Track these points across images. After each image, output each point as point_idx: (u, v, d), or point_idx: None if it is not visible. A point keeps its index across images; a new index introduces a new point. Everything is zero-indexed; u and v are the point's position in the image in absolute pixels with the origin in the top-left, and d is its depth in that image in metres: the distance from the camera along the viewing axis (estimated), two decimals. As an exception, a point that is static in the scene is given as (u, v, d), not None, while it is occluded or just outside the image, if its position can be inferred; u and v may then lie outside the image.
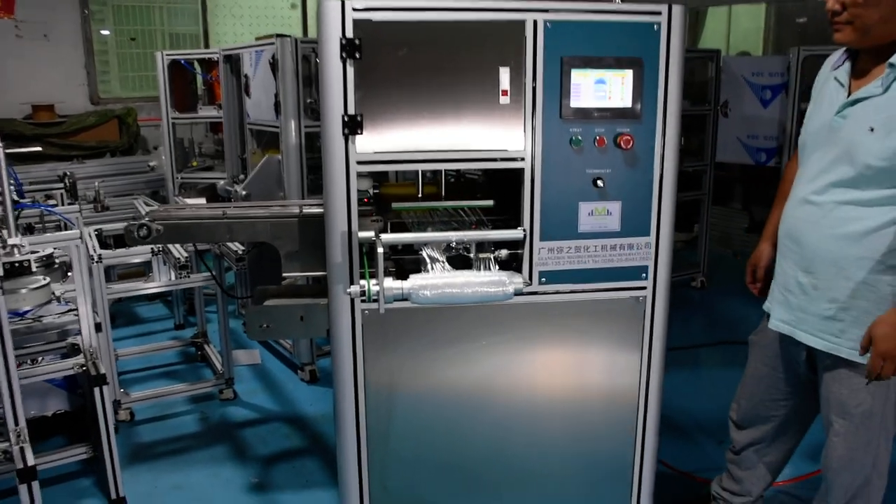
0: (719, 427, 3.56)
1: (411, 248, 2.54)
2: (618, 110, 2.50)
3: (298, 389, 4.59)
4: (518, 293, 2.32)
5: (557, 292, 2.60)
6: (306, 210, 2.77)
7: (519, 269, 2.58)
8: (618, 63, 2.47)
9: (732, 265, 7.19)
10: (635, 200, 2.58)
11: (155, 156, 6.32)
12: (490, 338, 2.60)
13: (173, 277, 3.82)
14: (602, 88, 2.48)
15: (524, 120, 2.45)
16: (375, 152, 2.39)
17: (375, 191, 3.01)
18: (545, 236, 2.54)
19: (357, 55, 2.31)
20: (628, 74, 2.48)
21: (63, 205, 4.76)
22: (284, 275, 2.77)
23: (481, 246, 2.55)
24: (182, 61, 5.79)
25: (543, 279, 2.58)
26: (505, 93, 2.43)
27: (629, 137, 2.49)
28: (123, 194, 6.30)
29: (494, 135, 2.45)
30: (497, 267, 2.51)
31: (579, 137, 2.47)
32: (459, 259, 2.50)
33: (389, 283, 2.27)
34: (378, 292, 2.25)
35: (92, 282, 3.72)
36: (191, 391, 4.46)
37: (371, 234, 2.41)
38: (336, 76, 2.33)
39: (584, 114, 2.48)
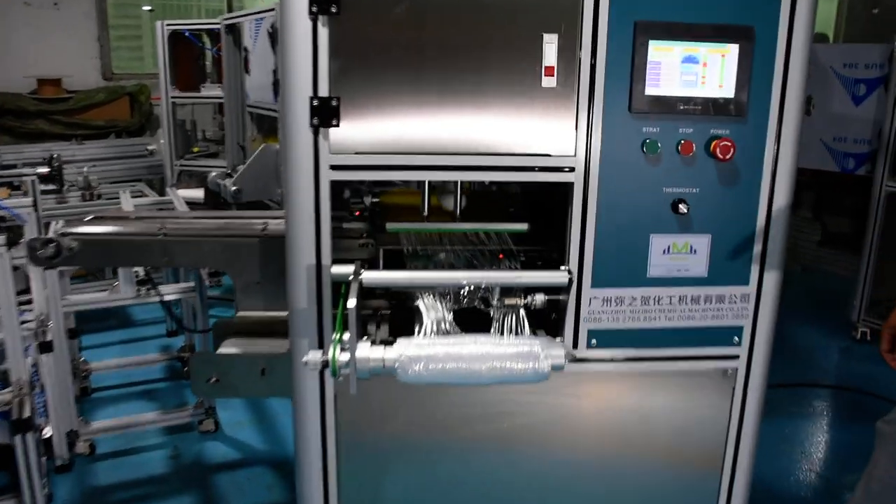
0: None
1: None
2: (714, 102, 1.71)
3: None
4: (557, 369, 1.57)
5: (613, 360, 1.83)
6: (273, 226, 2.04)
7: (559, 325, 1.82)
8: (718, 33, 1.68)
9: (802, 282, 6.29)
10: (731, 234, 1.79)
11: (155, 139, 5.68)
12: (514, 419, 1.85)
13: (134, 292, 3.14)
14: (692, 70, 1.69)
15: (576, 112, 1.68)
16: (358, 153, 1.65)
17: (374, 199, 2.27)
18: (600, 281, 1.77)
19: (333, 8, 1.56)
20: (732, 51, 1.69)
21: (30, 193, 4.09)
22: (240, 313, 2.06)
23: (507, 289, 1.80)
24: (186, 33, 5.10)
25: (594, 341, 1.81)
26: (550, 71, 1.66)
27: (729, 143, 1.70)
28: (122, 181, 5.68)
29: (532, 132, 1.68)
30: (526, 324, 1.75)
31: (656, 141, 1.70)
32: (474, 310, 1.75)
33: (365, 350, 1.53)
34: (348, 364, 1.51)
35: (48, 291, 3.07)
36: (165, 421, 3.79)
37: (348, 270, 1.67)
38: (302, 40, 1.59)
39: (665, 106, 1.69)
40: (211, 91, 5.30)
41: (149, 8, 8.23)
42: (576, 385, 1.84)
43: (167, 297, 3.61)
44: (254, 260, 1.97)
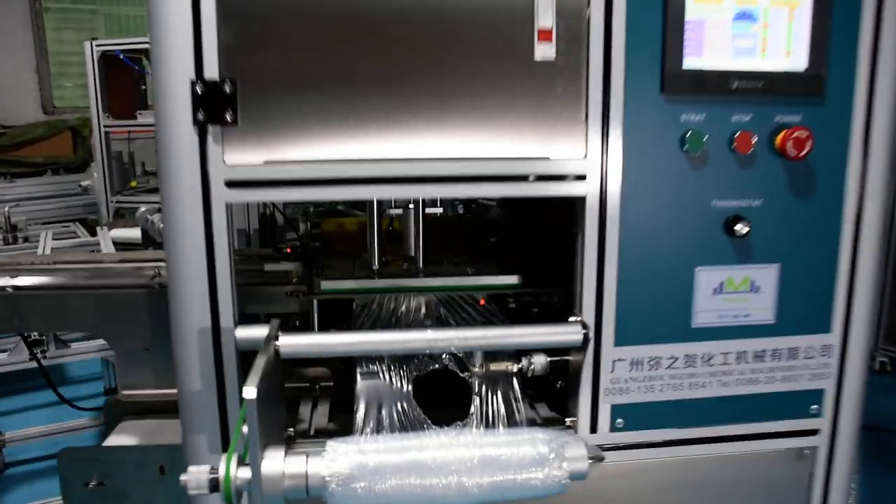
0: None
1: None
2: (780, 78, 1.20)
3: None
4: (578, 478, 1.02)
5: (650, 445, 1.29)
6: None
7: (569, 398, 1.29)
8: (782, -21, 1.18)
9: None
10: (807, 263, 1.28)
11: (88, 174, 5.10)
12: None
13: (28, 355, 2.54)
14: (748, 31, 1.19)
15: (585, 96, 1.16)
16: (268, 162, 1.11)
17: (312, 229, 1.72)
18: (627, 336, 1.24)
19: (220, -55, 1.04)
20: (803, 3, 1.19)
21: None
22: (122, 394, 1.49)
23: (492, 354, 1.26)
24: (119, 54, 4.56)
25: (620, 421, 1.27)
26: (545, 36, 1.14)
27: (803, 134, 1.19)
28: (56, 221, 5.08)
29: (523, 124, 1.16)
30: (520, 403, 1.22)
31: (701, 133, 1.18)
32: (447, 379, 1.21)
33: (275, 464, 0.95)
34: (248, 485, 0.95)
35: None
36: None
37: (260, 333, 1.13)
38: (176, -6, 1.06)
39: (713, 84, 1.19)
40: (150, 118, 4.74)
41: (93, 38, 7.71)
42: (596, 485, 1.29)
43: (85, 356, 3.02)
44: (140, 319, 1.41)
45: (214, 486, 0.96)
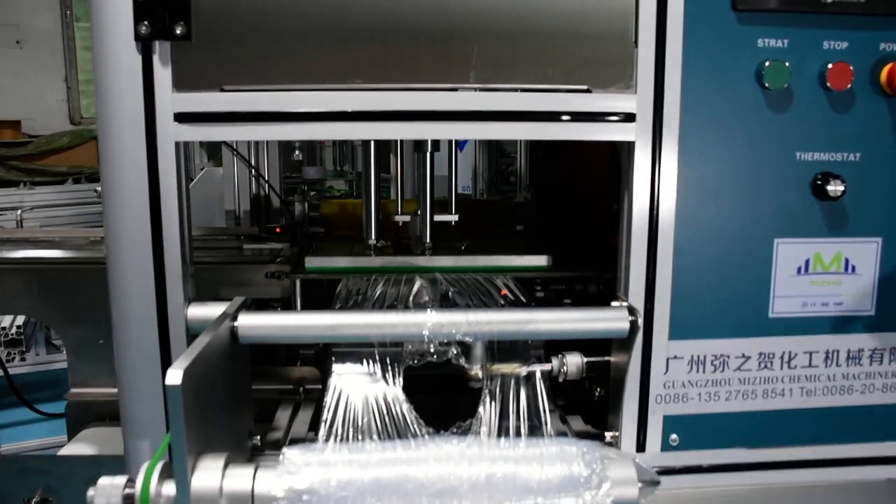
0: None
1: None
2: (887, -6, 0.94)
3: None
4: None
5: (712, 469, 1.01)
6: None
7: (608, 409, 1.02)
8: None
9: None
10: (918, 237, 1.00)
11: (105, 179, 4.95)
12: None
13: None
14: (846, -64, 0.93)
15: (636, 13, 0.91)
16: (226, 88, 0.88)
17: (312, 213, 1.48)
18: (684, 328, 0.97)
19: None
20: None
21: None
22: (71, 392, 1.25)
23: (510, 348, 1.00)
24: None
25: (675, 437, 0.99)
26: (585, -67, 0.89)
27: (917, 68, 0.92)
28: (68, 226, 4.95)
29: (556, 49, 0.91)
30: (547, 409, 0.95)
31: (783, 65, 0.92)
32: (449, 382, 0.95)
33: (209, 477, 0.69)
34: (177, 507, 0.69)
35: None
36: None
37: (212, 311, 0.88)
38: None
39: None
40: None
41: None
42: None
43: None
44: (92, 303, 1.17)
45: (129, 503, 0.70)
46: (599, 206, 1.26)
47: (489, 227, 1.54)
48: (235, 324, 0.87)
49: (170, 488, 0.69)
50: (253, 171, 1.62)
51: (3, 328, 2.10)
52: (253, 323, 0.87)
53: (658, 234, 0.95)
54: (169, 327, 0.91)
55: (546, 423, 0.96)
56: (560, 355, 1.03)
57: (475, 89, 0.90)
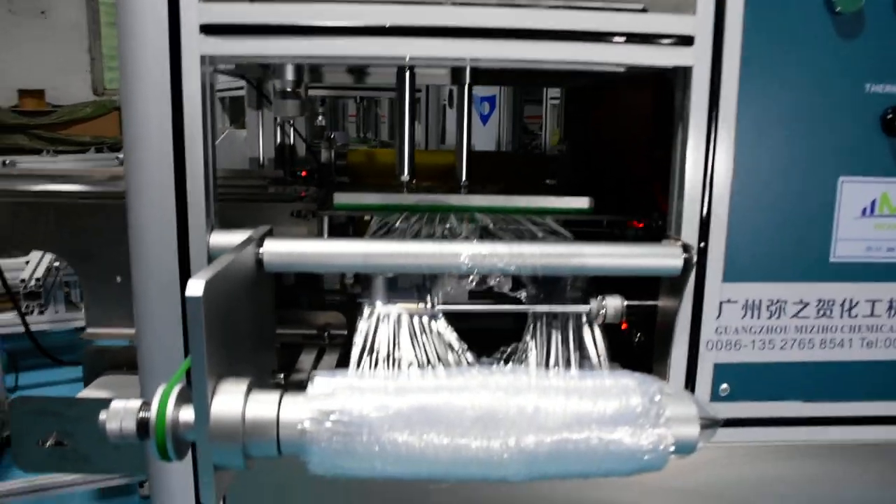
0: None
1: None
2: None
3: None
4: (685, 450, 0.68)
5: (764, 422, 0.94)
6: None
7: (652, 356, 0.96)
8: None
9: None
10: None
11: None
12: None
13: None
14: None
15: (699, -77, 0.84)
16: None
17: (339, 161, 1.43)
18: (739, 270, 0.91)
19: None
20: None
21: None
22: (88, 332, 1.21)
23: (552, 290, 0.94)
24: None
25: (725, 388, 0.93)
26: None
27: None
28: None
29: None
30: (599, 344, 0.89)
31: (859, -18, 0.85)
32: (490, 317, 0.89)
33: (232, 401, 0.64)
34: (191, 431, 0.64)
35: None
36: (96, 482, 2.92)
37: (235, 238, 0.83)
38: None
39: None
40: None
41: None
42: (683, 473, 0.96)
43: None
44: (110, 238, 1.13)
45: (143, 429, 0.65)
46: (638, 156, 1.20)
47: (520, 181, 1.48)
48: (261, 250, 0.81)
49: (188, 413, 0.64)
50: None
51: (23, 280, 2.07)
52: (280, 249, 0.81)
53: (714, 167, 0.88)
54: (190, 255, 0.86)
55: (599, 358, 0.90)
56: (599, 297, 0.97)
57: (521, 6, 0.83)
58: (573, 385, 0.65)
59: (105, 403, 1.24)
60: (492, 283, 0.92)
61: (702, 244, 0.88)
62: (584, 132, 1.53)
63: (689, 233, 0.89)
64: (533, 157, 1.55)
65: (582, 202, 1.08)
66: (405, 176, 1.08)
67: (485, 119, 4.86)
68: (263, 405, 0.64)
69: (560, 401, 0.63)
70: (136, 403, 0.67)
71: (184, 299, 0.84)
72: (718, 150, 0.88)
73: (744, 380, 0.93)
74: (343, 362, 1.04)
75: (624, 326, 1.04)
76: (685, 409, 0.67)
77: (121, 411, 0.66)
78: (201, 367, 0.61)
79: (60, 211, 1.11)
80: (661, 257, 0.86)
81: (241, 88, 3.05)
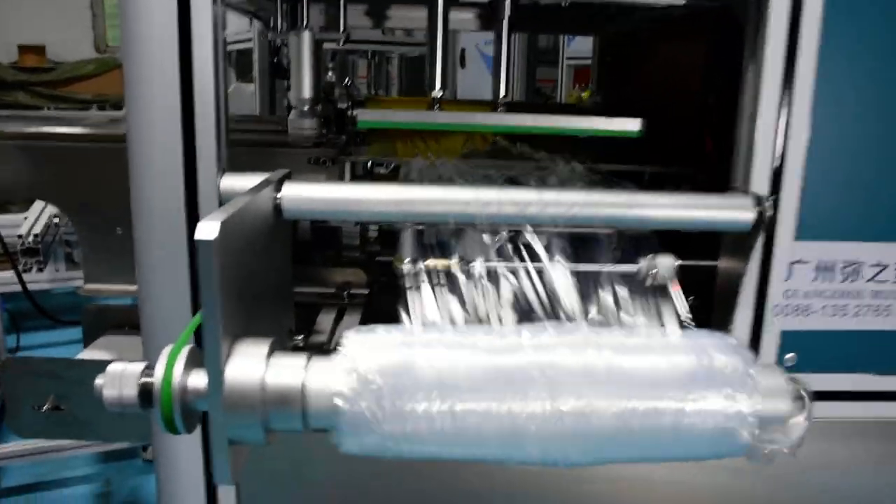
0: None
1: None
2: None
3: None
4: (774, 422, 0.59)
5: (835, 396, 0.85)
6: None
7: (710, 319, 0.86)
8: None
9: None
10: None
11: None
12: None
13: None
14: None
15: None
16: None
17: (351, 110, 1.32)
18: (813, 227, 0.81)
19: None
20: None
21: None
22: (86, 288, 1.12)
23: (586, 250, 0.84)
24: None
25: (791, 357, 0.84)
26: None
27: None
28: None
29: None
30: (679, 300, 0.79)
31: None
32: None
33: (253, 366, 0.55)
34: (202, 399, 0.55)
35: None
36: (95, 445, 2.86)
37: (249, 182, 0.73)
38: None
39: None
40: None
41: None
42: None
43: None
44: (109, 186, 1.03)
45: (146, 396, 0.56)
46: (684, 105, 1.10)
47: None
48: (279, 194, 0.72)
49: (198, 378, 0.55)
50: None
51: (20, 236, 1.98)
52: (302, 194, 0.71)
53: (792, 107, 0.78)
54: (198, 201, 0.76)
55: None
56: (650, 255, 0.87)
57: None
58: (641, 343, 0.56)
59: (105, 366, 1.15)
60: (523, 241, 0.83)
61: (773, 197, 0.78)
62: (619, 83, 1.42)
63: (760, 184, 0.79)
64: (567, 108, 1.44)
65: (633, 124, 0.98)
66: (437, 91, 0.98)
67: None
68: (288, 370, 0.54)
69: (636, 360, 0.53)
70: (137, 367, 0.57)
71: (192, 248, 0.75)
72: (796, 91, 0.77)
73: (812, 349, 0.84)
74: (366, 322, 0.95)
75: (674, 289, 0.94)
76: (775, 380, 0.58)
77: (120, 376, 0.57)
78: (215, 323, 0.51)
79: (55, 157, 1.01)
80: (730, 210, 0.76)
81: (248, 41, 2.93)
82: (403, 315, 0.65)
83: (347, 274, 1.06)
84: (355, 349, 0.55)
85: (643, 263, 0.87)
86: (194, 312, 0.78)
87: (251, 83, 2.86)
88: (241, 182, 0.76)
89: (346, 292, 1.03)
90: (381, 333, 0.56)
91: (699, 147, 1.09)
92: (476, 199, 0.74)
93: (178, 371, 0.55)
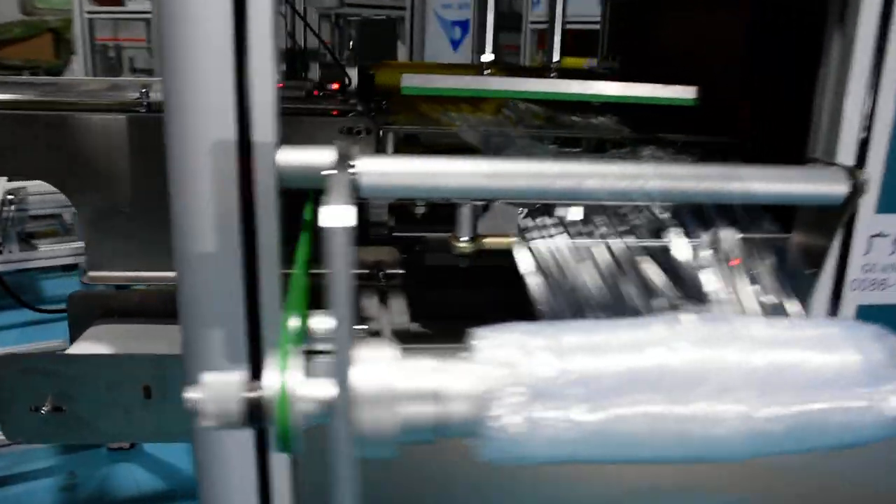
0: None
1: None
2: None
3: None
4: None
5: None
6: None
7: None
8: None
9: None
10: None
11: (68, 71, 4.53)
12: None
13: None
14: None
15: None
16: None
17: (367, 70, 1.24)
18: (891, 200, 0.77)
19: None
20: None
21: None
22: (89, 275, 1.02)
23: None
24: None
25: (867, 332, 0.81)
26: None
27: None
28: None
29: None
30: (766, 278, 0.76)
31: None
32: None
33: (375, 372, 0.48)
34: (327, 411, 0.48)
35: None
36: (58, 434, 2.71)
37: (322, 158, 0.65)
38: None
39: None
40: (142, 5, 4.16)
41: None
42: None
43: (55, 262, 2.56)
44: (114, 161, 0.93)
45: (255, 411, 0.49)
46: (718, 71, 1.07)
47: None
48: (354, 171, 0.64)
49: (317, 387, 0.48)
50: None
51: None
52: (381, 170, 0.64)
53: (881, 78, 0.74)
54: (254, 178, 0.68)
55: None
56: (712, 230, 0.84)
57: None
58: (788, 335, 0.52)
59: (110, 359, 1.06)
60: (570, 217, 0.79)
61: (866, 170, 0.75)
62: (636, 49, 1.37)
63: (846, 156, 0.76)
64: (580, 73, 1.39)
65: (688, 92, 0.93)
66: (487, 55, 0.92)
67: (456, 45, 4.62)
68: (421, 373, 0.48)
69: (796, 355, 0.49)
70: (236, 378, 0.50)
71: (247, 230, 0.68)
72: (887, 61, 0.73)
73: (889, 323, 0.81)
74: (415, 307, 0.89)
75: (736, 262, 0.91)
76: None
77: (221, 387, 0.49)
78: (345, 325, 0.44)
79: (52, 129, 0.90)
80: (824, 183, 0.73)
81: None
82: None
83: (381, 252, 0.99)
84: (493, 351, 0.49)
85: (705, 238, 0.84)
86: (250, 301, 0.71)
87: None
88: (298, 156, 0.68)
89: (381, 273, 0.97)
90: (516, 332, 0.50)
91: (731, 116, 1.06)
92: (569, 172, 0.68)
93: (295, 381, 0.47)
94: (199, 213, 0.69)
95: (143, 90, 0.94)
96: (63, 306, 2.21)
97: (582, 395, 0.47)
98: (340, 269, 0.44)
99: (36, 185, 2.24)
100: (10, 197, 2.01)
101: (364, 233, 1.03)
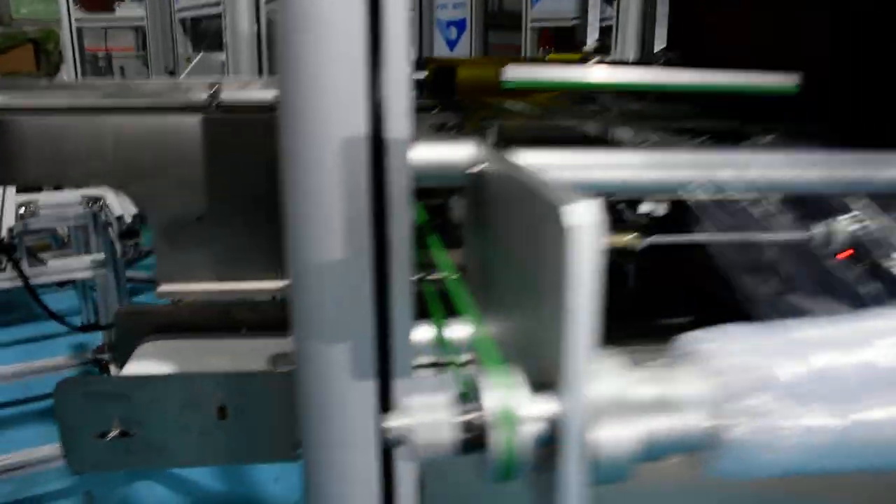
0: None
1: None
2: None
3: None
4: None
5: None
6: (234, 93, 0.91)
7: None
8: None
9: None
10: None
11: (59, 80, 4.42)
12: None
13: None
14: None
15: None
16: None
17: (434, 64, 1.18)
18: None
19: None
20: None
21: None
22: (161, 289, 0.95)
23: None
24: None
25: None
26: None
27: None
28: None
29: None
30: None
31: None
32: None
33: (612, 385, 0.42)
34: (576, 445, 0.41)
35: None
36: (70, 456, 2.61)
37: (458, 154, 0.59)
38: None
39: None
40: (132, 11, 4.06)
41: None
42: None
43: (67, 276, 2.47)
44: (188, 164, 0.86)
45: (475, 437, 0.42)
46: (794, 59, 1.04)
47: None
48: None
49: (539, 406, 0.42)
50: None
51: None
52: (546, 161, 0.58)
53: None
54: (387, 176, 0.62)
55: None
56: (827, 219, 0.79)
57: None
58: None
59: (178, 380, 0.99)
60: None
61: None
62: (699, 39, 1.33)
63: None
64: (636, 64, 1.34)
65: (788, 79, 0.89)
66: (590, 45, 0.86)
67: (452, 44, 4.58)
68: (658, 383, 0.42)
69: None
70: (440, 399, 0.43)
71: (379, 233, 0.62)
72: None
73: None
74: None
75: (846, 254, 0.87)
76: None
77: (433, 410, 0.42)
78: (585, 332, 0.38)
79: (119, 130, 0.83)
80: None
81: (207, 6, 2.71)
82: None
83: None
84: (727, 356, 0.43)
85: (819, 228, 0.79)
86: (380, 307, 0.64)
87: (220, 51, 2.63)
88: (433, 153, 0.63)
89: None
90: (742, 334, 0.45)
91: (810, 104, 1.02)
92: (711, 162, 0.62)
93: (519, 398, 0.41)
94: (323, 218, 0.63)
95: (213, 90, 0.87)
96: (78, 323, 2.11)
97: (829, 398, 0.42)
98: (585, 270, 0.38)
99: (46, 197, 2.16)
100: (21, 211, 1.93)
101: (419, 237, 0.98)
